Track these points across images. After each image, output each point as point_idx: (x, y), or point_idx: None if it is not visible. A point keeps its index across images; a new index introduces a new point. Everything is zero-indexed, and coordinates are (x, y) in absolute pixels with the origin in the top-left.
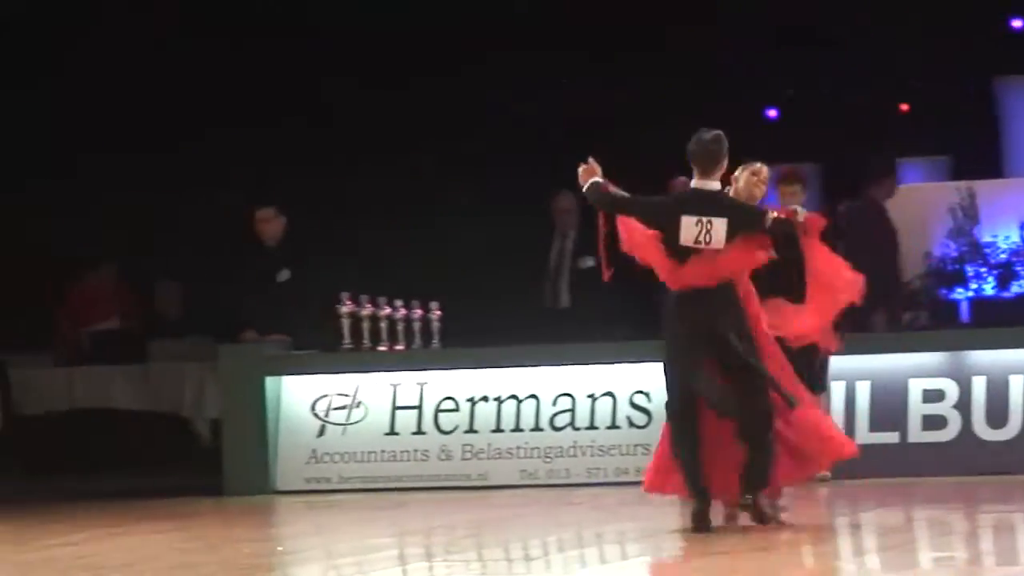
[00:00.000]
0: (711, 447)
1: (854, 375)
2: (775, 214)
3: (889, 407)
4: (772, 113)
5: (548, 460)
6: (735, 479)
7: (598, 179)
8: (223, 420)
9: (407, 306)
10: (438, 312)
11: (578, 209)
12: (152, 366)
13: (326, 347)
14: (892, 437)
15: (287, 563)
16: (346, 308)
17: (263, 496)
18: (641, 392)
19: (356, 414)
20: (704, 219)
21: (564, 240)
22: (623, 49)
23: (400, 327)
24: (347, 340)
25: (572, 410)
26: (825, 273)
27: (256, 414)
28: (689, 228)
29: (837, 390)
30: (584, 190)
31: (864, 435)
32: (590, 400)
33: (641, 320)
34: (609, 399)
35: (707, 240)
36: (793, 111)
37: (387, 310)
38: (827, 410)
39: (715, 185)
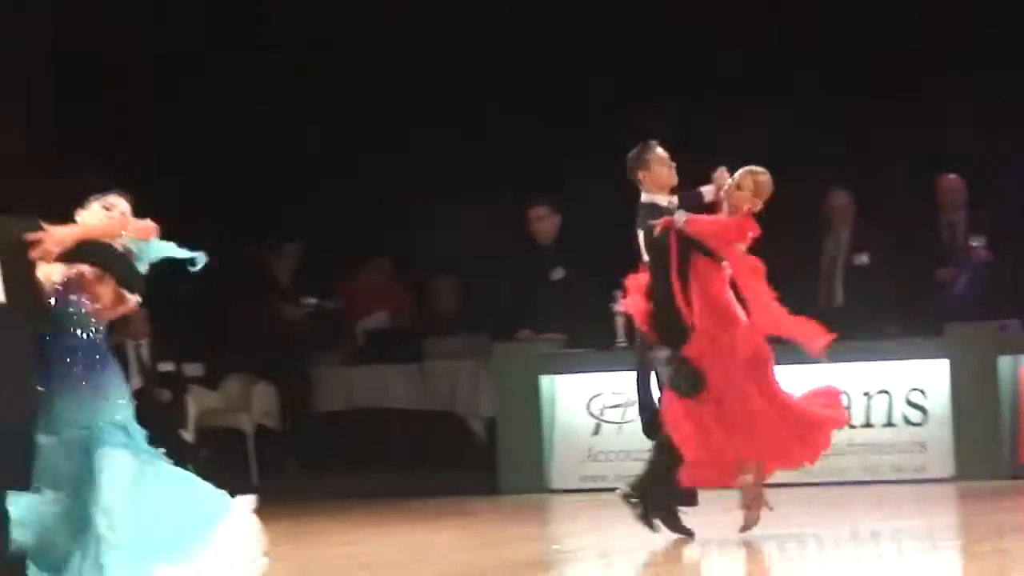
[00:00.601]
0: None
1: None
2: (658, 225)
3: None
4: None
5: (824, 458)
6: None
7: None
8: (498, 418)
9: None
10: None
11: (853, 206)
12: (427, 364)
13: (600, 345)
14: None
15: (564, 561)
16: (620, 306)
17: (538, 495)
18: (917, 389)
19: (631, 413)
20: (637, 231)
21: (838, 237)
22: None
23: None
24: (621, 338)
25: (848, 408)
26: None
27: (531, 413)
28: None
29: None
30: None
31: None
32: (866, 398)
33: (914, 316)
34: (885, 397)
35: (641, 253)
36: None
37: None
38: None
39: (652, 197)
